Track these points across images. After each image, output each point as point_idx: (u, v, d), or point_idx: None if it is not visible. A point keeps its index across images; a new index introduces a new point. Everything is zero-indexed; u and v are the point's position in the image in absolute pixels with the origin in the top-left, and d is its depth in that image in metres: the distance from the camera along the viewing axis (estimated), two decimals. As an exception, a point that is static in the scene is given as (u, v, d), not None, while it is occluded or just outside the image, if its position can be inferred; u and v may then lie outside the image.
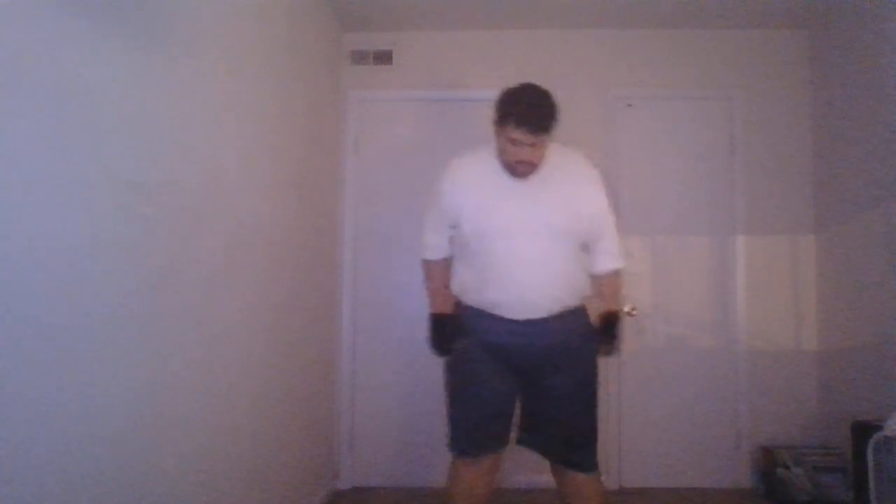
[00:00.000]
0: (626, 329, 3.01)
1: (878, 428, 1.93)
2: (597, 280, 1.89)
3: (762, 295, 3.02)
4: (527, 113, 1.62)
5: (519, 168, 1.68)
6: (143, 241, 1.26)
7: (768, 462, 2.80)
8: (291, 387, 2.31)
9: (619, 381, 2.98)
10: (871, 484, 1.93)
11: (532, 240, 1.69)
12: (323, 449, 2.81)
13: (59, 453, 1.01)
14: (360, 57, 3.17)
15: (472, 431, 1.78)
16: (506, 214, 1.70)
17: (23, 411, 0.93)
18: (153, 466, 1.30)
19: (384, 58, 3.16)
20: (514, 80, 3.07)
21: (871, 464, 1.93)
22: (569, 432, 1.76)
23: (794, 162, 3.07)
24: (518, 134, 1.61)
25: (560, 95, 3.08)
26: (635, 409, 2.98)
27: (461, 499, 1.79)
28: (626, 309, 3.01)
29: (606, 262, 1.88)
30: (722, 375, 3.01)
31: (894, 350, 2.40)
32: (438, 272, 1.94)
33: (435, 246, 1.92)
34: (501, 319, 1.73)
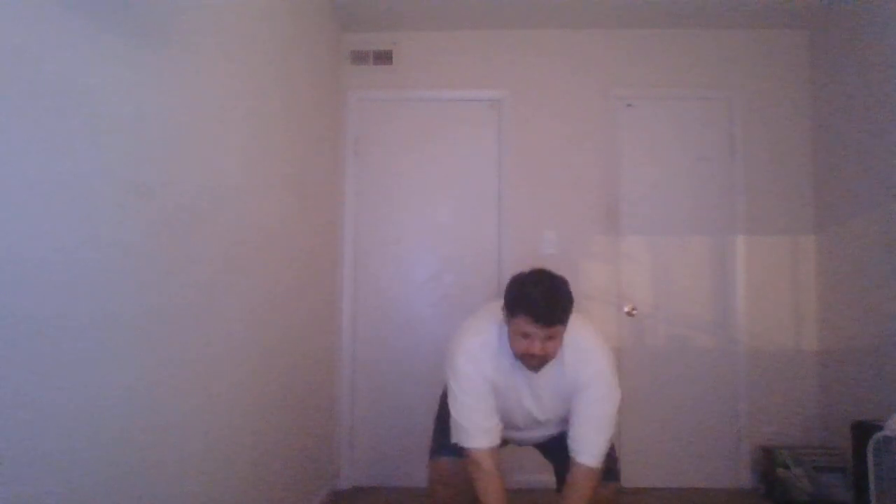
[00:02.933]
0: (627, 329, 3.03)
1: (878, 428, 1.93)
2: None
3: (762, 295, 3.02)
4: (539, 305, 1.47)
5: (530, 361, 1.55)
6: (143, 241, 1.26)
7: (768, 462, 2.80)
8: (291, 387, 2.31)
9: (618, 381, 2.98)
10: (871, 484, 1.93)
11: (533, 428, 1.75)
12: (323, 449, 2.81)
13: (58, 453, 1.01)
14: (360, 57, 3.17)
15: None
16: (509, 412, 1.69)
17: (22, 411, 0.93)
18: (153, 466, 1.30)
19: (384, 58, 3.16)
20: (514, 81, 3.12)
21: (871, 464, 1.93)
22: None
23: (794, 162, 3.07)
24: (530, 327, 1.48)
25: (560, 95, 3.13)
26: (635, 409, 2.98)
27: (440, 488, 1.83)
28: (627, 309, 3.02)
29: (583, 454, 1.60)
30: (722, 375, 3.01)
31: (894, 350, 2.40)
32: (491, 476, 1.60)
33: (482, 430, 1.61)
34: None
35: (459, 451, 1.69)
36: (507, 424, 1.72)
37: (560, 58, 3.15)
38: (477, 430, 1.62)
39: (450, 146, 3.15)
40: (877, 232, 2.54)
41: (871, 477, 1.93)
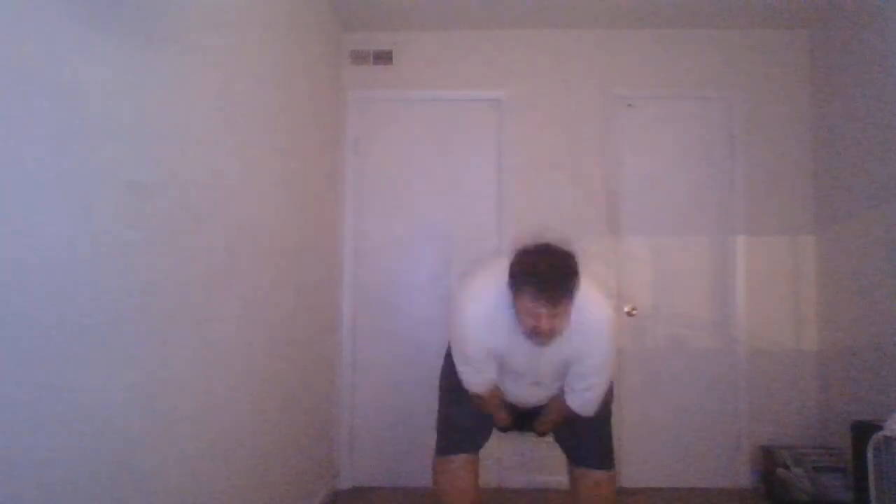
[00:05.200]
0: (627, 329, 3.03)
1: (878, 428, 1.93)
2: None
3: (762, 295, 3.02)
4: (545, 287, 1.45)
5: (537, 339, 1.55)
6: (143, 241, 1.26)
7: (768, 462, 2.80)
8: (291, 387, 2.31)
9: (619, 381, 2.97)
10: (871, 484, 1.93)
11: (533, 383, 1.77)
12: (323, 449, 2.81)
13: (59, 453, 1.01)
14: (360, 57, 3.17)
15: (450, 431, 1.87)
16: (512, 365, 1.73)
17: (22, 411, 0.93)
18: (153, 466, 1.30)
19: (384, 58, 3.17)
20: (514, 81, 3.12)
21: (871, 464, 1.93)
22: (587, 441, 1.84)
23: (794, 162, 3.07)
24: (536, 307, 1.47)
25: (560, 95, 3.13)
26: (635, 409, 2.98)
27: (443, 494, 1.87)
28: (627, 309, 3.02)
29: (576, 401, 1.74)
30: (722, 375, 3.01)
31: (894, 350, 2.40)
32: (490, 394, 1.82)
33: (482, 382, 1.78)
34: None
35: (465, 449, 1.82)
36: (508, 374, 1.77)
37: (560, 58, 3.15)
38: (476, 382, 1.76)
39: (450, 146, 3.15)
40: (877, 232, 2.54)
41: (871, 477, 1.93)
